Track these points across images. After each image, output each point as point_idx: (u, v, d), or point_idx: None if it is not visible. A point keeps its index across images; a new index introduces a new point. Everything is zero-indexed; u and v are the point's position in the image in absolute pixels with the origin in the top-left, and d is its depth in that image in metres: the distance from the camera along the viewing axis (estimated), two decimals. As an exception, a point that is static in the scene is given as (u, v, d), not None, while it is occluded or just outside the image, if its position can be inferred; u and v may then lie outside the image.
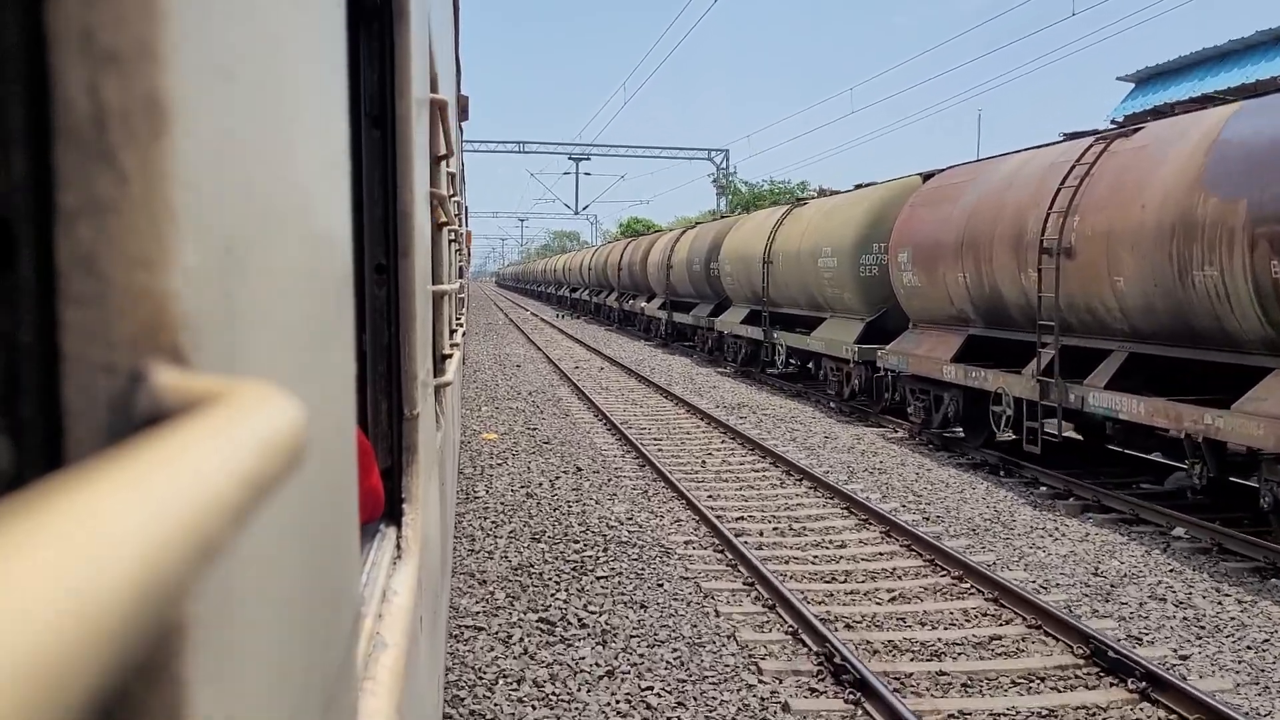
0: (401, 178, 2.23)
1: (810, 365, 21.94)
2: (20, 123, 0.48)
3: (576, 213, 76.26)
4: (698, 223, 35.22)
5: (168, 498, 0.38)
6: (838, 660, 6.31)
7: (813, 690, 6.16)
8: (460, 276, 9.06)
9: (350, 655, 1.10)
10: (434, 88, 3.13)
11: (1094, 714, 5.80)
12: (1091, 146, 11.30)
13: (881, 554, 9.12)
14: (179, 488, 0.39)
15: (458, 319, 7.03)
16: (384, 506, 2.16)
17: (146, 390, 0.51)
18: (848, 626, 7.24)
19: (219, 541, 0.41)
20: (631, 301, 39.98)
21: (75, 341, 0.49)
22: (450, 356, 4.05)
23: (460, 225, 8.78)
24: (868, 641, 6.92)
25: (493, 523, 10.02)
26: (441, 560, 3.64)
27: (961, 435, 14.13)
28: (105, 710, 0.41)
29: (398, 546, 2.06)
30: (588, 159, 72.39)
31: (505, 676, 6.30)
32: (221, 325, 0.61)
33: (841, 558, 9.03)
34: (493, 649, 6.74)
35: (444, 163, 3.71)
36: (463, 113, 9.05)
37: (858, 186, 21.44)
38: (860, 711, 5.84)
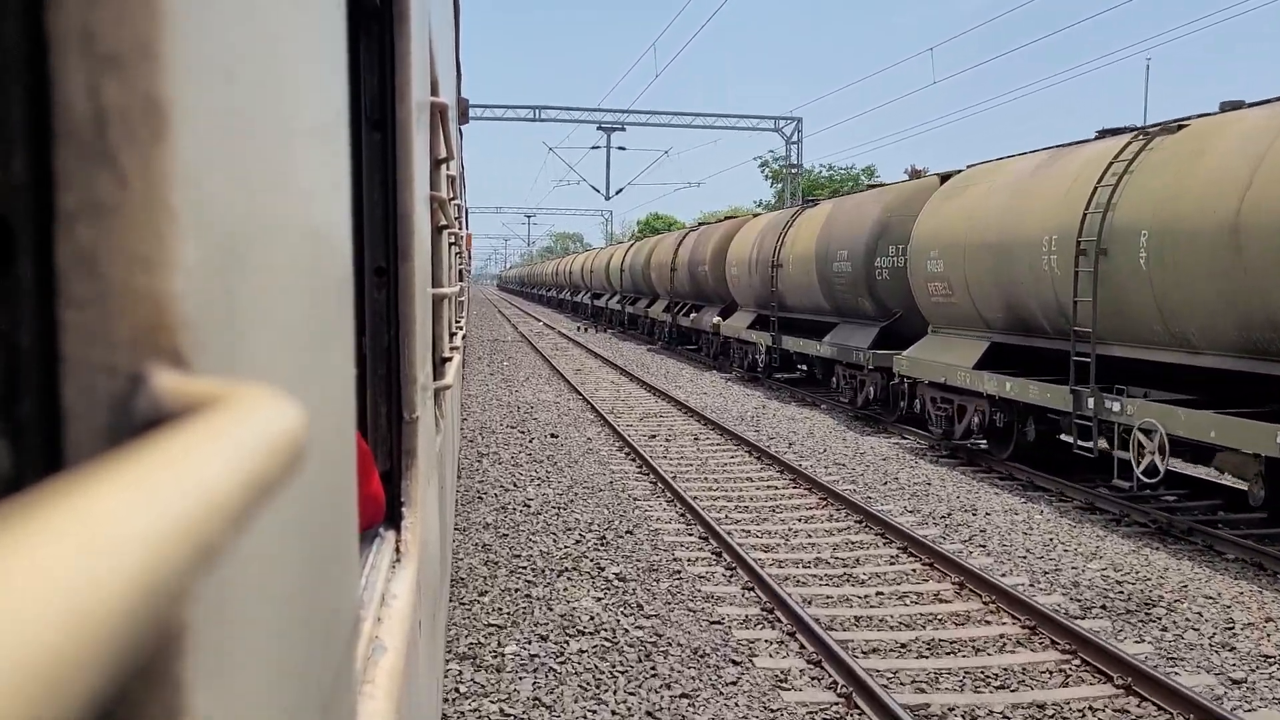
0: (401, 181, 2.23)
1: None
2: (20, 123, 0.48)
3: (608, 197, 56.91)
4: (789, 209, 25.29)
5: (168, 500, 0.38)
6: None
7: None
8: (460, 280, 9.06)
9: (349, 658, 1.10)
10: (434, 91, 3.13)
11: None
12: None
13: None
14: (179, 490, 0.39)
15: (457, 322, 7.03)
16: (384, 512, 2.15)
17: (146, 392, 0.51)
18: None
19: (218, 544, 0.41)
20: (694, 315, 29.14)
21: (75, 343, 0.49)
22: (450, 360, 4.05)
23: (460, 228, 8.79)
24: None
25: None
26: (441, 564, 3.64)
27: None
28: (105, 712, 0.41)
29: (397, 550, 2.06)
30: (622, 129, 54.65)
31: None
32: (221, 327, 0.61)
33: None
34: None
35: (444, 166, 3.71)
36: (463, 116, 9.05)
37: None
38: None
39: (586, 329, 44.94)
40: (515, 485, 11.97)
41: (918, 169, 18.33)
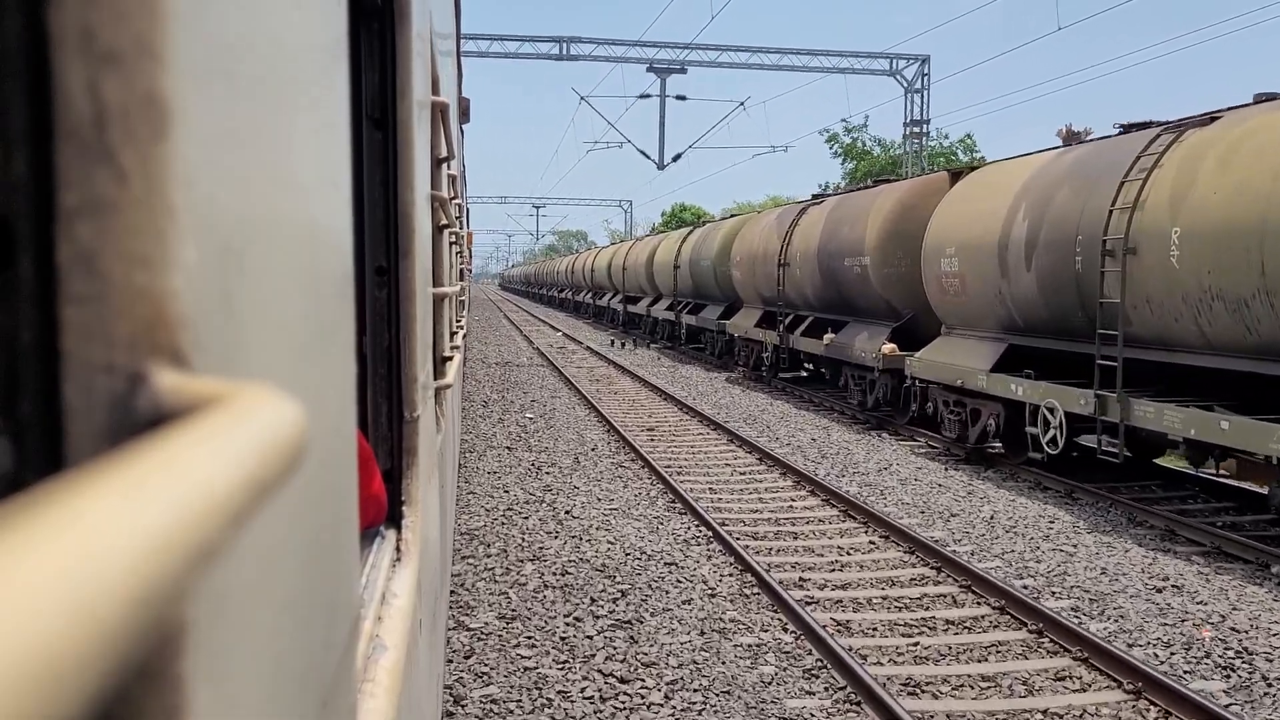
0: (402, 180, 2.23)
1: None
2: (21, 122, 0.48)
3: (662, 165, 42.04)
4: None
5: (168, 499, 0.38)
6: None
7: None
8: (461, 279, 9.06)
9: (349, 657, 1.10)
10: (435, 90, 3.13)
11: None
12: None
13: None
14: (179, 490, 0.39)
15: (458, 321, 7.04)
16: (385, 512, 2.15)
17: (147, 391, 0.51)
18: None
19: (219, 543, 0.41)
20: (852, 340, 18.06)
21: (75, 341, 0.49)
22: (450, 359, 4.05)
23: (461, 227, 8.79)
24: None
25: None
26: (441, 563, 3.64)
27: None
28: (105, 711, 0.41)
29: (397, 549, 2.06)
30: (680, 70, 39.84)
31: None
32: (222, 325, 0.61)
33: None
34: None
35: (445, 165, 3.71)
36: (463, 115, 9.06)
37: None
38: None
39: (623, 343, 33.49)
40: None
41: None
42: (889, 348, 15.61)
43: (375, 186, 2.22)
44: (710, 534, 9.82)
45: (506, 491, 11.65)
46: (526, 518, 10.46)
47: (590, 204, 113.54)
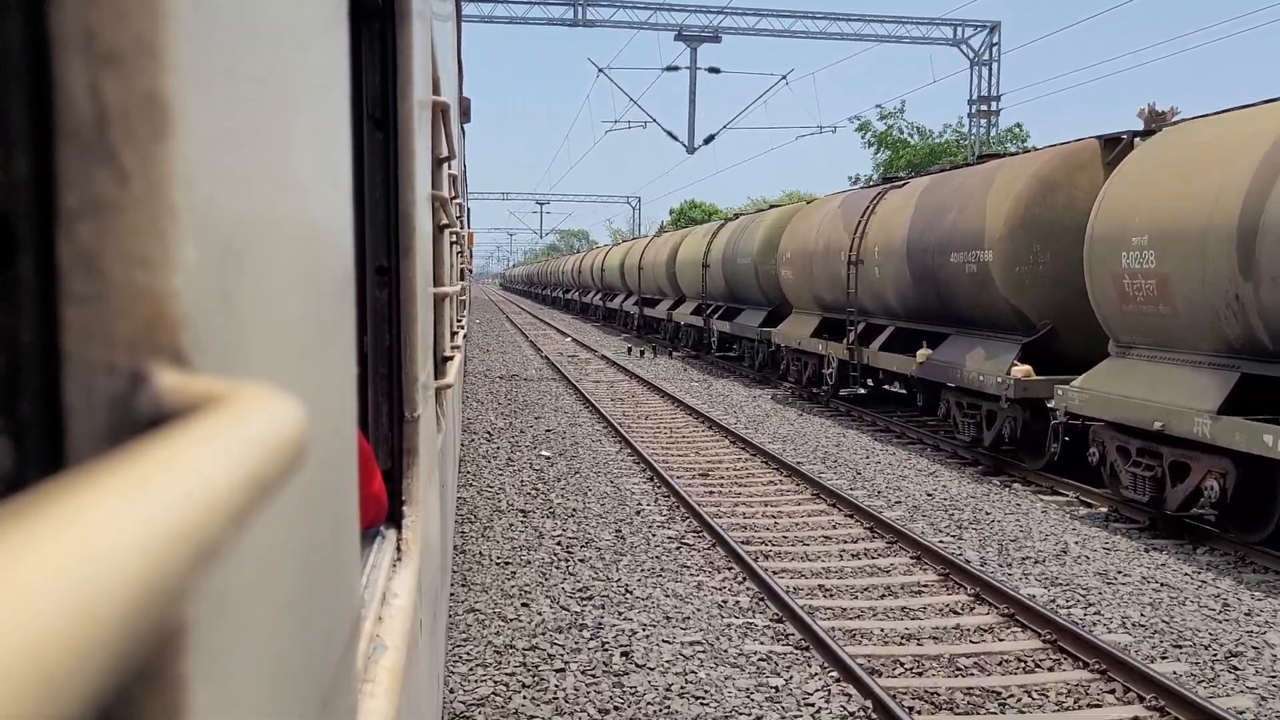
0: (403, 179, 2.23)
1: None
2: (22, 122, 0.48)
3: (691, 150, 36.75)
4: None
5: (168, 499, 0.38)
6: None
7: None
8: (462, 279, 9.07)
9: (350, 657, 1.10)
10: (436, 90, 3.13)
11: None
12: None
13: None
14: (179, 489, 0.39)
15: (458, 321, 7.04)
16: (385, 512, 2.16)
17: (147, 390, 0.51)
18: None
19: (219, 543, 0.41)
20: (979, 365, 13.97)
21: (76, 341, 0.49)
22: (451, 359, 4.06)
23: (461, 227, 8.80)
24: None
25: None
26: (441, 563, 3.64)
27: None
28: (105, 711, 0.41)
29: (398, 549, 2.06)
30: (714, 39, 35.15)
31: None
32: (222, 325, 0.61)
33: None
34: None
35: (446, 165, 3.71)
36: (464, 114, 9.06)
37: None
38: None
39: (641, 351, 30.42)
40: None
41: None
42: (1022, 371, 11.72)
43: (376, 186, 2.22)
44: (868, 702, 5.82)
45: (526, 605, 7.66)
46: (560, 672, 6.38)
47: (596, 200, 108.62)
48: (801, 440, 14.98)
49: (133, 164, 0.50)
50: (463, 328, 7.86)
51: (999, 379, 11.93)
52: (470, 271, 17.29)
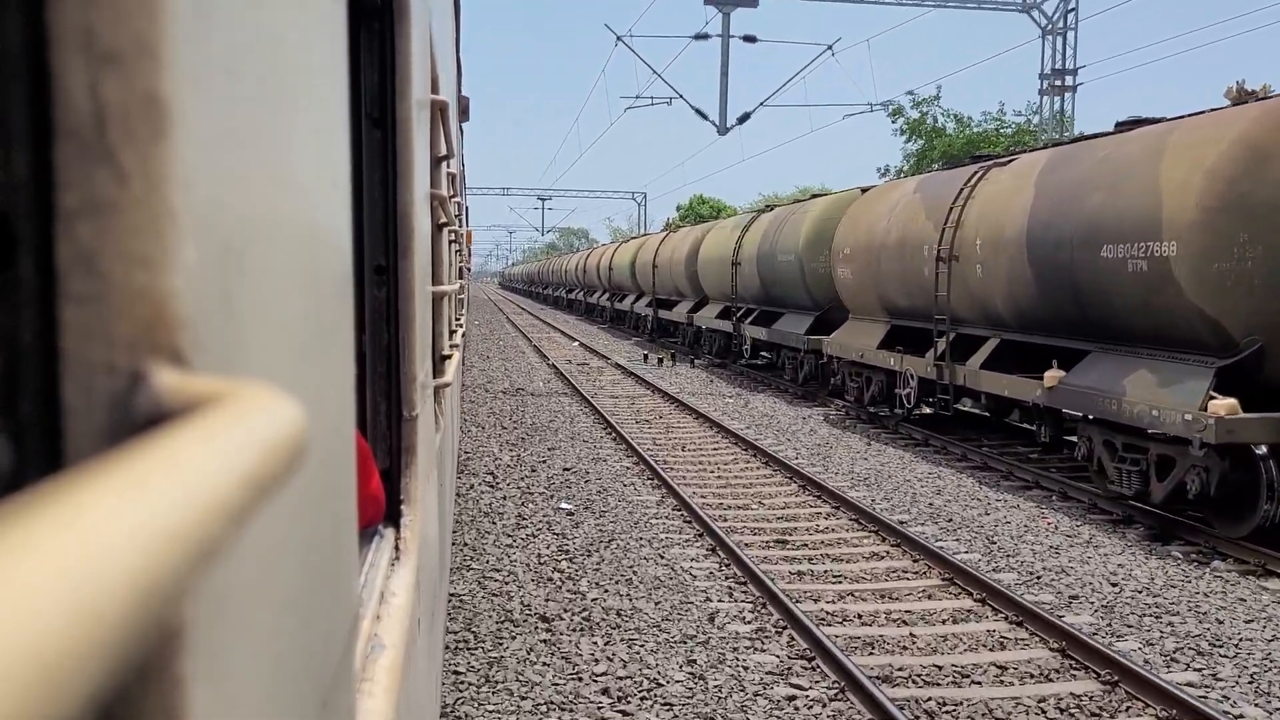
0: (402, 179, 2.23)
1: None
2: (21, 122, 0.48)
3: (723, 130, 32.23)
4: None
5: (167, 499, 0.38)
6: None
7: None
8: (460, 278, 9.06)
9: (348, 656, 1.10)
10: (434, 89, 3.13)
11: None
12: None
13: None
14: (178, 489, 0.39)
15: (457, 319, 7.04)
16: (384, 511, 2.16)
17: (146, 390, 0.51)
18: None
19: (218, 543, 0.41)
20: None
21: (75, 341, 0.49)
22: (450, 357, 4.05)
23: (460, 226, 8.80)
24: None
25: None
26: (440, 561, 3.64)
27: None
28: (105, 711, 0.41)
29: (396, 548, 2.06)
30: (751, 4, 30.65)
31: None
32: (221, 325, 0.61)
33: None
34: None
35: (444, 164, 3.71)
36: (463, 114, 9.06)
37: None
38: None
39: (659, 359, 27.11)
40: None
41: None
42: (1226, 406, 8.38)
43: (375, 186, 2.22)
44: None
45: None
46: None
47: (600, 195, 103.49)
48: (888, 483, 11.70)
49: (132, 164, 0.50)
50: (461, 326, 7.86)
51: (1187, 416, 8.55)
52: (469, 270, 16.99)
